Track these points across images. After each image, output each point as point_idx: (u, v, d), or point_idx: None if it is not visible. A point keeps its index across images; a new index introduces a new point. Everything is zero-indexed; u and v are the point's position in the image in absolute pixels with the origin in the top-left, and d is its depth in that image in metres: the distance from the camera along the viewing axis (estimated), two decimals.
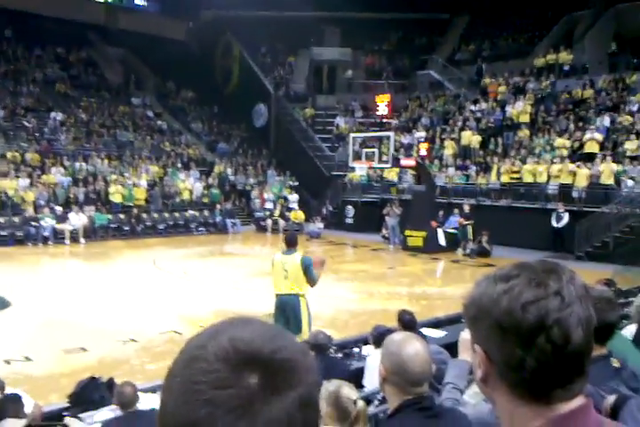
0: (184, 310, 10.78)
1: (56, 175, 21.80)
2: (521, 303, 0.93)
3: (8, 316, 10.15)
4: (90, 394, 5.39)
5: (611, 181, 17.40)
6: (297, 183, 26.86)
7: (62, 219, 19.53)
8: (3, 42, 30.05)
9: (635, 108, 20.06)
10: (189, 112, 32.88)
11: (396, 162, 19.95)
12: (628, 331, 3.68)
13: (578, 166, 18.17)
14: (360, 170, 21.09)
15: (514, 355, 0.93)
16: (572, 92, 22.82)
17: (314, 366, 0.77)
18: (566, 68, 24.60)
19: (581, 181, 17.91)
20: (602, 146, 18.99)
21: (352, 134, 22.25)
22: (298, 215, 23.29)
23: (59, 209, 19.94)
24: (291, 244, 7.36)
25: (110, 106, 29.66)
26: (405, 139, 25.16)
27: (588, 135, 19.22)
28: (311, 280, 7.16)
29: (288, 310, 7.20)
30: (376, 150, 19.68)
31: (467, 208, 18.71)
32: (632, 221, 16.23)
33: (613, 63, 24.09)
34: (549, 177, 18.74)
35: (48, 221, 19.04)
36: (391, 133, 20.91)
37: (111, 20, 34.61)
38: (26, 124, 25.24)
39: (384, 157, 19.56)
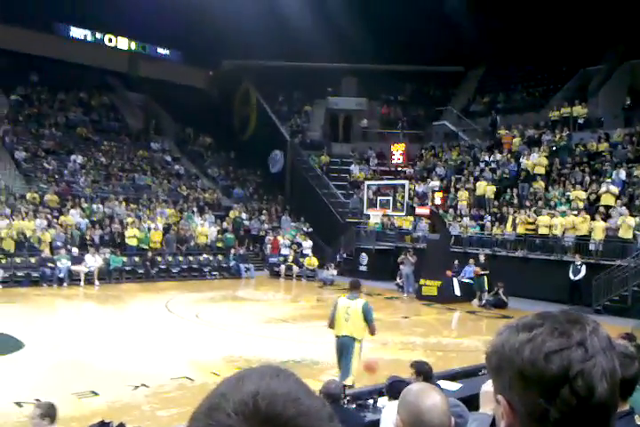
0: (195, 355, 10.68)
1: (74, 217, 22.07)
2: (544, 353, 0.91)
3: (21, 357, 10.11)
4: None
5: (629, 235, 17.29)
6: (311, 229, 26.94)
7: (78, 260, 19.64)
8: (28, 86, 31.02)
9: None
10: (207, 157, 33.44)
11: (410, 210, 20.01)
12: None
13: (594, 219, 18.12)
14: (374, 217, 21.16)
15: (537, 406, 0.90)
16: (588, 145, 22.97)
17: None
18: (581, 121, 24.84)
19: (598, 234, 17.83)
20: (618, 199, 18.96)
21: (367, 182, 22.44)
22: (312, 262, 23.26)
23: (75, 251, 20.09)
24: (354, 288, 8.15)
25: (130, 150, 30.28)
26: (420, 188, 25.31)
27: (603, 188, 19.24)
28: (371, 326, 7.80)
29: (344, 352, 7.78)
30: (390, 198, 19.80)
31: (482, 258, 18.61)
32: None
33: (628, 117, 24.31)
34: (565, 229, 18.67)
35: (64, 262, 19.15)
36: (406, 182, 21.07)
37: (134, 68, 35.80)
38: (46, 165, 25.77)
39: (398, 206, 19.65)
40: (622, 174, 20.03)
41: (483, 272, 18.20)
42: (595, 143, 22.77)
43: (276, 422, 0.70)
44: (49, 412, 4.60)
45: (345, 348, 7.84)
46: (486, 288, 17.90)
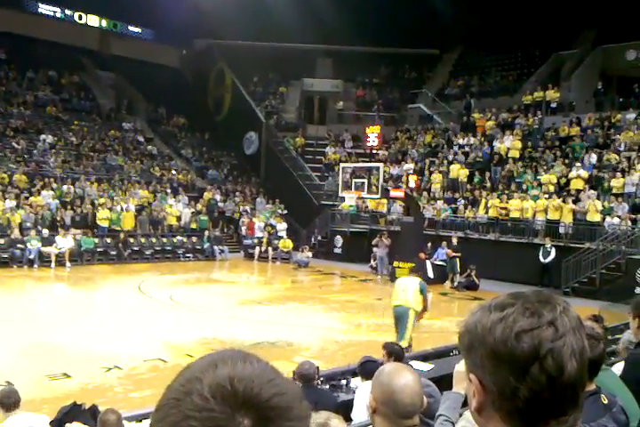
0: (169, 337, 10.66)
1: (44, 197, 21.71)
2: (515, 332, 0.93)
3: None
4: (72, 421, 5.28)
5: (597, 219, 17.61)
6: (286, 212, 26.90)
7: (48, 242, 19.37)
8: None
9: (621, 147, 20.43)
10: (180, 138, 33.05)
11: (385, 193, 20.08)
12: (617, 368, 3.70)
13: (563, 202, 18.44)
14: (349, 200, 21.22)
15: (508, 384, 0.92)
16: (559, 129, 23.22)
17: (308, 413, 0.75)
18: (553, 105, 25.07)
19: (567, 217, 18.14)
20: (587, 183, 19.25)
21: (342, 164, 22.42)
22: (286, 244, 23.26)
23: (45, 232, 19.79)
24: (413, 272, 10.50)
25: (101, 130, 29.76)
26: (394, 170, 25.39)
27: (573, 172, 19.52)
28: (425, 301, 9.39)
29: (398, 318, 9.26)
30: (365, 181, 19.84)
31: (455, 241, 18.82)
32: (618, 257, 16.36)
33: (599, 102, 24.60)
34: (535, 212, 18.95)
35: (34, 244, 18.88)
36: (380, 165, 21.10)
37: (105, 46, 35.01)
38: (15, 145, 25.23)
39: (373, 188, 19.70)
40: (593, 158, 20.33)
41: (455, 254, 18.41)
42: (566, 127, 23.03)
43: (253, 402, 0.70)
44: (2, 400, 4.56)
45: (401, 315, 9.24)
46: (458, 270, 18.13)
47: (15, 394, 4.84)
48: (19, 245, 18.82)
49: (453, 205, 21.94)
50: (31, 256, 18.77)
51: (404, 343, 8.46)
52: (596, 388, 2.27)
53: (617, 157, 19.82)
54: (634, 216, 17.34)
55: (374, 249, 20.40)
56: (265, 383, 0.72)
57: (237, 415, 0.69)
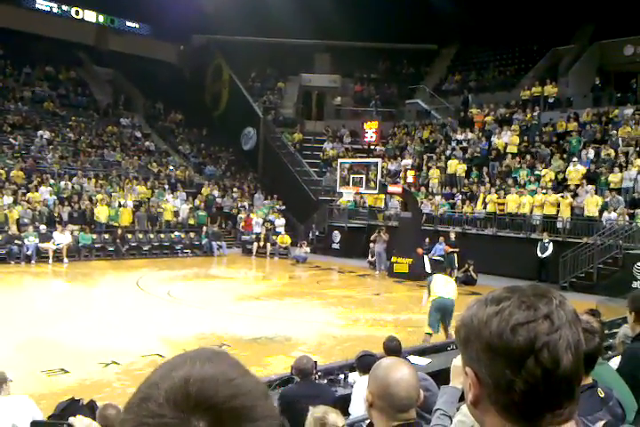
0: (167, 332, 10.67)
1: (42, 193, 21.67)
2: (511, 325, 0.93)
3: None
4: (70, 416, 5.28)
5: (595, 214, 17.63)
6: (284, 207, 26.90)
7: (46, 238, 19.35)
8: None
9: (618, 142, 20.44)
10: (178, 134, 32.99)
11: (383, 188, 20.08)
12: (614, 362, 3.71)
13: (561, 197, 18.46)
14: (347, 195, 21.22)
15: (503, 377, 0.92)
16: (557, 125, 23.22)
17: (273, 413, 0.74)
18: (551, 100, 25.06)
19: (565, 212, 18.17)
20: (585, 178, 19.26)
21: (340, 160, 22.41)
22: (284, 239, 23.27)
23: (43, 228, 19.77)
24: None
25: (98, 126, 29.70)
26: (392, 166, 25.38)
27: (571, 167, 19.52)
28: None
29: (447, 310, 9.68)
30: (363, 176, 19.84)
31: (453, 236, 18.83)
32: (615, 252, 16.40)
33: (597, 97, 24.59)
34: (533, 207, 18.97)
35: (32, 240, 18.86)
36: (379, 160, 21.09)
37: (102, 41, 34.88)
38: (12, 141, 25.17)
39: (371, 184, 19.71)
40: (590, 153, 20.34)
41: (452, 250, 18.43)
42: (564, 122, 23.02)
43: (208, 405, 0.69)
44: None
45: (449, 307, 9.66)
46: (456, 266, 18.14)
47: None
48: (16, 241, 18.80)
49: (451, 201, 21.96)
50: (29, 252, 18.75)
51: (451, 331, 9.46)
52: (593, 382, 2.27)
53: (613, 153, 19.84)
54: (631, 211, 17.36)
55: (371, 245, 20.42)
56: (222, 384, 0.71)
57: (192, 419, 0.68)
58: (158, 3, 29.46)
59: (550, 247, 17.39)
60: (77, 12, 33.93)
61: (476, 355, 0.97)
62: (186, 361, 0.74)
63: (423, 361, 6.64)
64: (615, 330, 6.45)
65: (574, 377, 0.94)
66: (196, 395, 0.69)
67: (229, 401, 0.69)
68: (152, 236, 22.53)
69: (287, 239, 23.28)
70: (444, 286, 9.87)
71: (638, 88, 24.66)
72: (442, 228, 20.50)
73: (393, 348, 5.31)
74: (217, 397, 0.69)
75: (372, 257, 20.52)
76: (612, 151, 19.93)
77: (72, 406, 5.41)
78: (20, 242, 18.82)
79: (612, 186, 18.42)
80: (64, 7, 33.47)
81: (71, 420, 4.07)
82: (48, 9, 33.08)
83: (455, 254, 18.27)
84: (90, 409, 5.36)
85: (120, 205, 22.53)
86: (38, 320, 11.22)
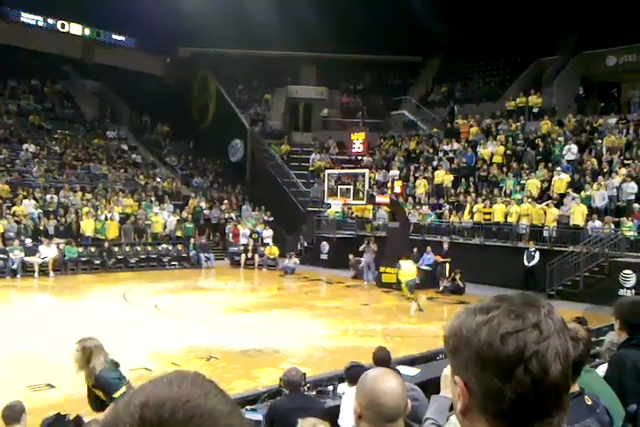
0: (155, 346, 10.58)
1: (27, 207, 21.50)
2: (500, 334, 0.93)
3: None
4: None
5: (580, 222, 17.75)
6: (272, 218, 26.86)
7: (32, 251, 19.17)
8: None
9: (602, 151, 20.65)
10: (165, 146, 32.95)
11: (370, 199, 20.12)
12: (601, 370, 3.72)
13: (547, 205, 18.59)
14: (335, 206, 21.24)
15: (493, 386, 0.92)
16: (541, 129, 23.45)
17: None
18: (535, 110, 25.31)
19: (551, 221, 18.29)
20: (570, 186, 19.39)
21: (327, 171, 22.45)
22: (272, 251, 23.20)
23: (28, 241, 19.59)
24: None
25: (85, 139, 29.61)
26: (380, 176, 25.46)
27: (555, 177, 19.68)
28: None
29: (415, 284, 15.40)
30: (351, 187, 19.88)
31: (446, 246, 18.86)
32: (601, 260, 16.50)
33: (581, 107, 24.88)
34: (519, 216, 19.07)
35: (17, 254, 18.68)
36: (366, 171, 21.16)
37: (88, 54, 34.88)
38: None
39: (359, 194, 19.75)
40: (574, 149, 20.48)
41: (443, 260, 18.43)
42: (548, 125, 23.25)
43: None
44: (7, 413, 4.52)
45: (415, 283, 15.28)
46: (447, 275, 18.17)
47: (16, 408, 4.79)
48: (1, 255, 18.63)
49: (438, 211, 22.05)
50: (14, 266, 18.58)
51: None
52: (580, 389, 2.28)
53: (595, 162, 20.07)
54: (617, 219, 17.51)
55: (351, 257, 20.54)
56: (179, 406, 0.71)
57: None
58: (144, 16, 29.52)
59: (537, 256, 17.47)
60: (63, 25, 33.91)
61: (465, 364, 0.97)
62: (148, 386, 0.75)
63: (412, 371, 6.63)
64: (602, 338, 6.49)
65: (563, 386, 0.95)
66: (150, 419, 0.70)
67: (185, 423, 0.70)
68: (139, 248, 22.39)
69: (275, 250, 23.23)
70: (410, 268, 15.30)
71: (621, 98, 24.99)
72: (430, 237, 20.56)
73: (382, 358, 5.31)
74: (172, 420, 0.70)
75: (353, 271, 20.67)
76: (593, 161, 20.13)
77: (58, 422, 5.33)
78: (5, 256, 18.64)
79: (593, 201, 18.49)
80: (50, 20, 33.45)
81: None
82: (34, 22, 33.03)
83: (447, 264, 18.25)
84: (76, 425, 5.30)
85: (107, 218, 22.38)
86: (24, 335, 11.09)
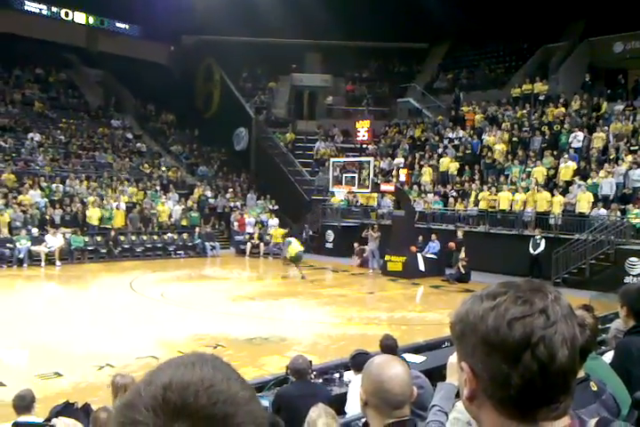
0: (161, 334, 10.64)
1: (33, 196, 21.56)
2: (507, 320, 0.93)
3: None
4: None
5: (586, 210, 17.69)
6: (277, 207, 26.87)
7: (38, 241, 19.25)
8: None
9: (609, 138, 20.53)
10: (169, 135, 32.89)
11: (375, 187, 20.09)
12: (607, 357, 3.72)
13: (552, 194, 18.53)
14: (340, 194, 21.23)
15: (500, 371, 0.92)
16: (547, 112, 23.30)
17: (257, 419, 0.73)
18: (542, 97, 25.14)
19: (557, 209, 18.24)
20: (576, 174, 19.31)
21: (332, 159, 22.40)
22: (278, 232, 22.95)
23: (35, 231, 19.67)
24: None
25: (89, 127, 29.58)
26: (385, 164, 25.40)
27: (562, 164, 19.58)
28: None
29: (301, 257, 17.84)
30: (356, 175, 19.85)
31: (460, 234, 18.78)
32: (607, 248, 16.47)
33: (588, 93, 24.67)
34: (525, 204, 19.02)
35: (23, 243, 18.76)
36: (371, 159, 21.10)
37: (92, 43, 34.76)
38: (2, 144, 25.01)
39: (364, 182, 19.71)
40: (579, 137, 20.39)
41: (457, 248, 18.26)
42: (553, 108, 23.12)
43: (187, 412, 0.69)
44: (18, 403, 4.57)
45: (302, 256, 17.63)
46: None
47: (28, 398, 4.84)
48: (8, 245, 18.71)
49: (443, 198, 22.00)
50: (21, 255, 18.65)
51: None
52: (585, 375, 2.28)
53: (604, 137, 19.97)
54: (622, 206, 17.44)
55: (356, 246, 20.52)
56: (202, 390, 0.71)
57: (173, 426, 0.69)
58: (148, 4, 29.38)
59: (542, 244, 17.44)
60: (67, 14, 33.81)
61: (472, 350, 0.97)
62: (170, 367, 0.74)
63: (418, 359, 6.65)
64: (608, 325, 6.48)
65: (570, 371, 0.95)
66: (174, 402, 0.69)
67: (209, 408, 0.69)
68: (145, 237, 22.46)
69: (281, 232, 22.85)
70: (299, 245, 18.06)
71: (628, 84, 24.78)
72: (435, 225, 20.53)
73: (389, 346, 5.33)
74: (195, 404, 0.69)
75: (358, 259, 20.67)
76: (602, 136, 19.98)
77: (67, 410, 5.36)
78: (11, 245, 18.72)
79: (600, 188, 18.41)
80: (53, 9, 33.34)
81: (54, 421, 4.07)
82: (37, 11, 32.94)
83: (462, 252, 18.11)
84: (85, 413, 5.33)
85: (112, 208, 22.42)
86: (31, 324, 11.16)
